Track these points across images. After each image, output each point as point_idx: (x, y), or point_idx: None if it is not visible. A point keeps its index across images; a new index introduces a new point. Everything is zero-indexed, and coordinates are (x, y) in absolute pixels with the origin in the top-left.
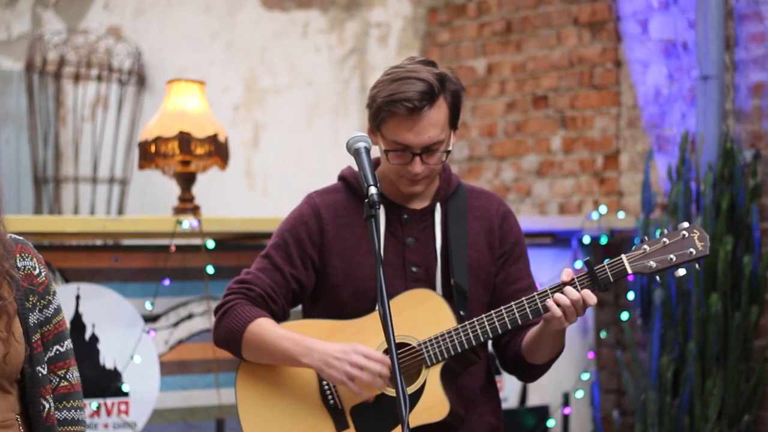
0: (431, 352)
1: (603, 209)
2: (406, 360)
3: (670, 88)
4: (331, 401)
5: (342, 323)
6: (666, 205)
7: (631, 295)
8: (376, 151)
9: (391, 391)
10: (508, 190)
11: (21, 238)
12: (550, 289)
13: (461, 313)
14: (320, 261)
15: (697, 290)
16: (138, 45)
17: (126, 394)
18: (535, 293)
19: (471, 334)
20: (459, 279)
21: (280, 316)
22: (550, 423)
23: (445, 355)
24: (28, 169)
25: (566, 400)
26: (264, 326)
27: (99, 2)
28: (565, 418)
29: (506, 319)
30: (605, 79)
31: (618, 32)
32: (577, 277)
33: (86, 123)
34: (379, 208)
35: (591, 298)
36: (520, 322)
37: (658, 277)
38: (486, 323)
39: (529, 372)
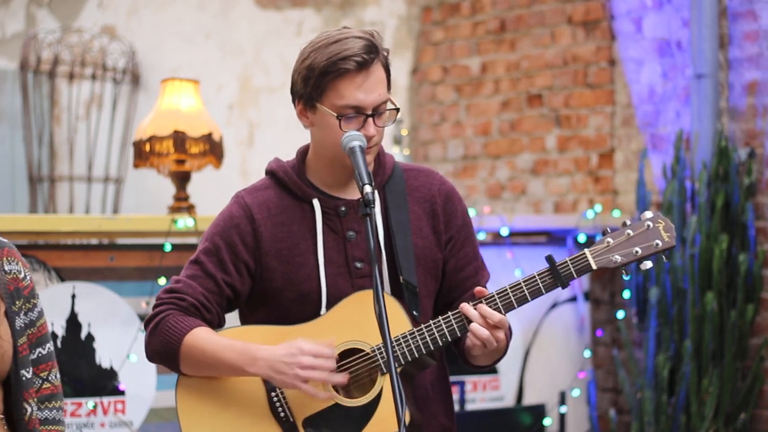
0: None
1: (598, 208)
2: (359, 367)
3: (664, 86)
4: (282, 414)
5: (288, 329)
6: (661, 204)
7: (626, 294)
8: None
9: (345, 401)
10: (503, 188)
11: (6, 241)
12: (510, 288)
13: (414, 313)
14: (256, 265)
15: (693, 288)
16: (132, 44)
17: (122, 393)
18: (496, 295)
19: (428, 338)
20: (408, 275)
21: (216, 325)
22: (547, 422)
23: (402, 361)
24: (22, 168)
25: (563, 399)
26: (202, 336)
27: (93, 1)
28: (562, 417)
29: (466, 321)
30: (599, 77)
31: (612, 31)
32: (539, 274)
33: (81, 122)
34: (374, 207)
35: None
36: None
37: (624, 270)
38: (444, 326)
39: (470, 369)
